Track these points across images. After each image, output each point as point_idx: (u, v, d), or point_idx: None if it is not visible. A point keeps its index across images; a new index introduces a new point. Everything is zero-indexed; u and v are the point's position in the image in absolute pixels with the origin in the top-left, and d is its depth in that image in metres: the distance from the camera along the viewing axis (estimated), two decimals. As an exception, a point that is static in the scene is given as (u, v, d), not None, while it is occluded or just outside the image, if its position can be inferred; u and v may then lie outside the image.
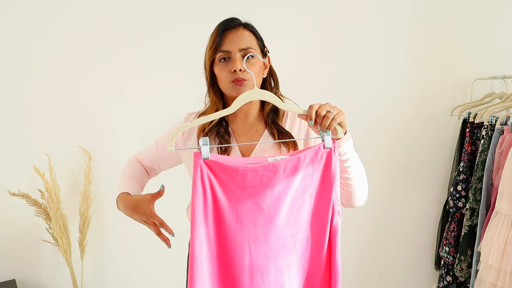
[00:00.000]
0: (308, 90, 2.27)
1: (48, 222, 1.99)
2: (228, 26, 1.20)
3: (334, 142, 1.06)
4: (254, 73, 1.16)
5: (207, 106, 1.29)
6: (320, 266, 1.07)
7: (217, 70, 1.21)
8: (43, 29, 2.01)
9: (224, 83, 1.20)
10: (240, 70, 1.16)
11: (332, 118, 1.04)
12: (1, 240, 2.07)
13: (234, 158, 1.08)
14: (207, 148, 0.99)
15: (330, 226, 1.06)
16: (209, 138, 1.20)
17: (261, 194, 1.03)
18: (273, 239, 1.04)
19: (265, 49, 1.26)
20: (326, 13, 2.27)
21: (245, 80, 1.17)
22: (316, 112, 1.04)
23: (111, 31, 2.08)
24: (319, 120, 1.04)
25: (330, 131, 1.05)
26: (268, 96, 1.10)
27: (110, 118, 2.12)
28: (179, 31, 2.13)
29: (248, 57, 1.17)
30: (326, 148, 1.05)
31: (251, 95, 1.09)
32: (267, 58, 1.27)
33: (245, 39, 1.19)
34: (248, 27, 1.23)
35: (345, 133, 1.09)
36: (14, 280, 2.05)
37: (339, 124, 1.06)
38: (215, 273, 1.03)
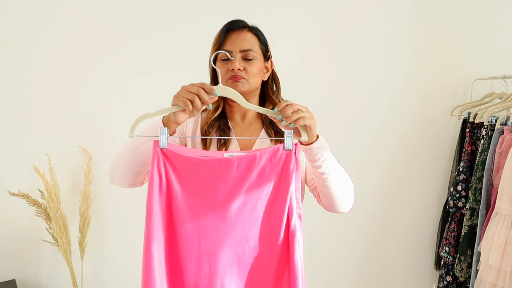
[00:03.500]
0: (307, 91, 2.27)
1: (48, 222, 1.99)
2: (233, 27, 1.23)
3: (296, 145, 1.06)
4: (251, 74, 1.21)
5: None
6: (273, 266, 1.06)
7: (217, 67, 1.24)
8: (43, 29, 2.01)
9: (222, 81, 1.23)
10: (239, 69, 1.19)
11: (302, 117, 1.04)
12: (1, 240, 2.07)
13: (192, 150, 1.11)
14: (165, 138, 1.03)
15: (288, 228, 1.06)
16: (209, 131, 1.24)
17: (213, 187, 1.05)
18: (224, 233, 1.05)
19: (269, 53, 1.29)
20: (325, 13, 2.27)
21: (243, 78, 1.20)
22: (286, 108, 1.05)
23: (111, 31, 2.08)
24: (288, 113, 1.04)
25: (292, 133, 1.05)
26: (232, 94, 1.11)
27: (110, 118, 2.12)
28: (179, 30, 2.14)
29: (248, 57, 1.21)
30: (286, 149, 1.06)
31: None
32: (269, 62, 1.30)
33: (247, 41, 1.22)
34: (253, 30, 1.26)
35: (316, 139, 1.10)
36: (14, 280, 2.05)
37: (306, 127, 1.06)
38: (167, 259, 1.06)
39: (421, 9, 2.32)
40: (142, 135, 1.10)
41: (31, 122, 2.05)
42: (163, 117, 1.11)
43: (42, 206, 1.97)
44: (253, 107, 1.13)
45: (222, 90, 1.10)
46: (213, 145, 1.25)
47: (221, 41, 1.22)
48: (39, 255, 2.12)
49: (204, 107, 1.07)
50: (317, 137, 1.11)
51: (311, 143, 1.10)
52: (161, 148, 1.04)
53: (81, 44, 2.06)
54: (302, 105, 1.09)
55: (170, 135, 1.11)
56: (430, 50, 2.35)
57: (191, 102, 1.03)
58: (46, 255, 2.12)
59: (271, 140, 1.25)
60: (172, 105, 1.06)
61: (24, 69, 2.02)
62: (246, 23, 1.26)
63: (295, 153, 1.06)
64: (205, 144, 1.25)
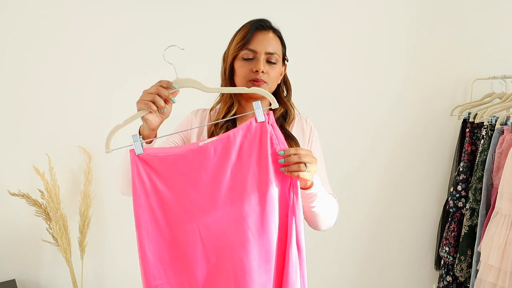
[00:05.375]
0: (307, 91, 2.27)
1: (48, 222, 1.99)
2: (260, 26, 1.21)
3: (269, 114, 1.04)
4: (272, 78, 1.20)
5: (219, 97, 1.30)
6: (282, 246, 1.03)
7: (237, 65, 1.22)
8: (42, 29, 2.01)
9: (242, 80, 1.21)
10: (263, 71, 1.18)
11: (301, 171, 1.02)
12: (1, 240, 2.07)
13: (168, 148, 1.10)
14: (139, 144, 1.04)
15: (287, 200, 1.02)
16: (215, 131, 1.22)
17: (197, 178, 1.03)
18: (221, 220, 1.03)
19: (285, 56, 1.29)
20: (325, 13, 2.27)
21: (265, 82, 1.20)
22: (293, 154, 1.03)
23: (110, 31, 2.08)
24: (292, 160, 1.02)
25: (260, 104, 1.03)
26: (190, 83, 1.09)
27: (110, 118, 2.12)
28: (179, 29, 2.13)
29: (271, 61, 1.20)
30: (259, 122, 1.03)
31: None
32: (284, 66, 1.29)
33: (273, 44, 1.21)
34: (277, 32, 1.25)
35: (310, 186, 1.09)
36: (14, 280, 2.05)
37: (300, 179, 1.04)
38: (172, 260, 1.05)
39: (421, 9, 2.32)
40: (118, 147, 1.09)
41: (31, 122, 2.05)
42: (139, 127, 1.11)
43: (42, 206, 1.97)
44: (217, 89, 1.11)
45: (180, 82, 1.08)
46: None
47: (247, 39, 1.19)
48: (39, 255, 2.12)
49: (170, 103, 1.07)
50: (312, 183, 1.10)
51: (306, 188, 1.10)
52: (137, 155, 1.04)
53: (81, 44, 2.06)
54: (305, 148, 1.11)
55: (149, 139, 1.10)
56: (430, 50, 2.35)
57: (153, 102, 1.04)
58: (46, 255, 2.12)
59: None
60: (138, 111, 1.06)
61: (24, 69, 2.02)
62: (271, 23, 1.25)
63: (269, 122, 1.03)
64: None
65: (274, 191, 1.02)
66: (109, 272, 2.22)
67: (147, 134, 1.09)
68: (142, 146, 1.04)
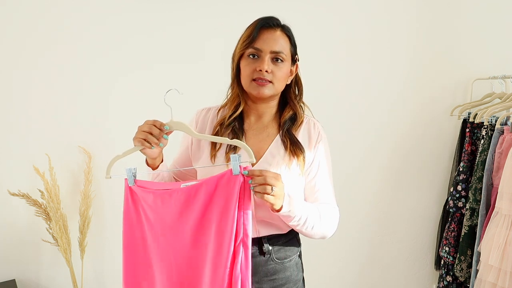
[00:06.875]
0: (307, 91, 2.26)
1: (48, 222, 1.99)
2: (267, 24, 1.19)
3: (246, 168, 1.07)
4: (278, 78, 1.18)
5: (228, 96, 1.29)
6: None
7: (243, 64, 1.20)
8: (39, 28, 2.01)
9: (245, 80, 1.20)
10: (266, 71, 1.16)
11: (266, 193, 1.04)
12: (1, 240, 2.07)
13: (157, 184, 1.19)
14: (131, 176, 1.17)
15: (234, 248, 1.06)
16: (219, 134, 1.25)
17: (174, 215, 1.13)
18: (190, 258, 1.12)
19: (296, 56, 1.25)
20: (325, 13, 2.27)
21: (270, 82, 1.18)
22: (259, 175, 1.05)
23: (109, 30, 2.08)
24: (256, 182, 1.04)
25: (237, 158, 1.06)
26: (181, 127, 1.16)
27: (110, 118, 2.12)
28: (178, 28, 2.13)
29: (277, 60, 1.18)
30: (234, 174, 1.07)
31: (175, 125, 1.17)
32: (295, 65, 1.26)
33: (280, 42, 1.18)
34: (286, 31, 1.21)
35: (280, 209, 1.10)
36: (14, 280, 2.05)
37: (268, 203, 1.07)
38: (150, 274, 1.18)
39: (421, 9, 2.32)
40: (117, 175, 1.20)
41: (31, 122, 2.05)
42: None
43: (42, 206, 1.97)
44: (203, 136, 1.19)
45: (172, 125, 1.15)
46: (223, 149, 1.22)
47: (253, 37, 1.16)
48: (39, 255, 2.12)
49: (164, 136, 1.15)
50: (282, 206, 1.10)
51: (277, 210, 1.11)
52: (129, 186, 1.18)
53: (80, 43, 2.06)
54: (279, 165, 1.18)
55: (156, 166, 1.22)
56: (430, 50, 2.35)
57: (146, 140, 1.12)
58: (46, 255, 2.12)
59: (286, 146, 1.22)
60: (134, 145, 1.16)
61: (23, 69, 2.02)
62: (279, 21, 1.21)
63: (242, 174, 1.06)
64: (215, 147, 1.22)
65: (229, 242, 1.06)
66: (109, 272, 2.22)
67: (151, 163, 1.21)
68: (134, 178, 1.18)
